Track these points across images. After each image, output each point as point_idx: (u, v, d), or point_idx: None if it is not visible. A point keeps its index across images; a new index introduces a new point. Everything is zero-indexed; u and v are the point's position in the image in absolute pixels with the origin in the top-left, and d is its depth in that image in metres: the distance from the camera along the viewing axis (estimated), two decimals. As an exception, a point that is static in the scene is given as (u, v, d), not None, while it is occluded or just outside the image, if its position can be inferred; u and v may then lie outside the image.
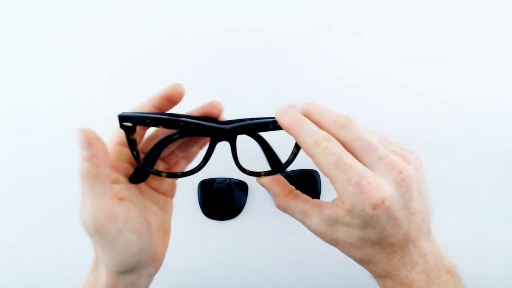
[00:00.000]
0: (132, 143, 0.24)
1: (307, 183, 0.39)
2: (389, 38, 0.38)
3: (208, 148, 0.26)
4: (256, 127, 0.26)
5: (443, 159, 0.38)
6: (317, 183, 0.40)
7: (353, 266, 0.41)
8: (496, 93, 0.38)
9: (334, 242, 0.25)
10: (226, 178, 0.40)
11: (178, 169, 0.27)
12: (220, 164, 0.39)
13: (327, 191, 0.40)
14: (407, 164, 0.23)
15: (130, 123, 0.24)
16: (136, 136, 0.24)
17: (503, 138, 0.38)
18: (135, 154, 0.24)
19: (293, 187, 0.29)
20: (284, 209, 0.28)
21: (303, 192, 0.39)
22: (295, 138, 0.24)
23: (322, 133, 0.23)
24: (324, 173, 0.23)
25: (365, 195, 0.22)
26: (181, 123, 0.24)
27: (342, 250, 0.26)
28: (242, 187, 0.39)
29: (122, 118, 0.24)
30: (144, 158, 0.25)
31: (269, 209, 0.40)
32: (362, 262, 0.26)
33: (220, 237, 0.40)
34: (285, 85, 0.39)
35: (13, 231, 0.40)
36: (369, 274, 0.27)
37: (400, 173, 0.23)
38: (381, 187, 0.22)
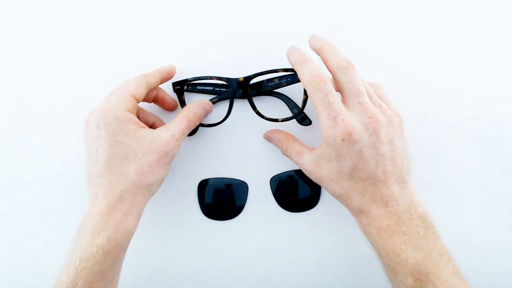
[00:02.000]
0: (182, 102, 0.36)
1: (308, 181, 0.39)
2: (389, 38, 0.38)
3: (230, 101, 0.34)
4: (265, 73, 0.33)
5: (443, 159, 0.38)
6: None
7: (353, 267, 0.41)
8: (496, 93, 0.38)
9: (319, 179, 0.30)
10: (226, 178, 0.40)
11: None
12: (220, 164, 0.39)
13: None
14: (380, 114, 0.28)
15: (179, 86, 0.35)
16: (184, 97, 0.36)
17: (503, 138, 0.38)
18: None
19: (292, 135, 0.35)
20: (285, 152, 0.33)
21: (304, 191, 0.40)
22: (298, 74, 0.29)
23: (319, 72, 0.28)
24: (314, 106, 0.28)
25: (337, 127, 0.26)
26: (213, 83, 0.36)
27: (326, 187, 0.30)
28: (242, 187, 0.39)
29: (174, 84, 0.35)
30: None
31: (269, 209, 0.40)
32: (341, 198, 0.29)
33: (220, 237, 0.40)
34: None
35: (13, 231, 0.40)
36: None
37: (370, 117, 0.27)
38: (351, 123, 0.26)
